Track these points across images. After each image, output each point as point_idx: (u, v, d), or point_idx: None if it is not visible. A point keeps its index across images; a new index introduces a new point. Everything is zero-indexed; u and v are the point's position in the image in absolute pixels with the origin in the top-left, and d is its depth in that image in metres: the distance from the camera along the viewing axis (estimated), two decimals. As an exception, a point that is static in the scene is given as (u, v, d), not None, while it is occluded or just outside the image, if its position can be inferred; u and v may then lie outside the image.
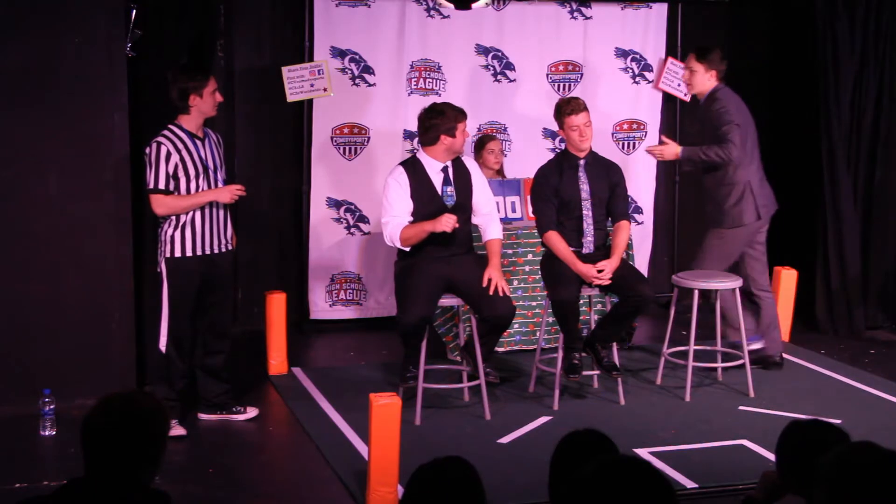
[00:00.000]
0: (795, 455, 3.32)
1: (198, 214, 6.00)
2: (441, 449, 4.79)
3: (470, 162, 6.57)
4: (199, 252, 6.01)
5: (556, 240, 6.40)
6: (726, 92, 7.05)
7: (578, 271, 6.31)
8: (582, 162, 6.46)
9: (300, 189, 8.10)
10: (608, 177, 6.50)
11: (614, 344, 6.58)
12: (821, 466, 2.83)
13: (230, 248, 6.22)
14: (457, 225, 6.17)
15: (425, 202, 6.29)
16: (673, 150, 7.09)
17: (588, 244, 6.44)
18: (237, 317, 8.25)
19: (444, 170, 6.37)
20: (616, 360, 6.57)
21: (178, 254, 5.98)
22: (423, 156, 6.39)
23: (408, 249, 6.27)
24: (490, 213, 6.51)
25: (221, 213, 6.13)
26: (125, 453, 2.92)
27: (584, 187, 6.44)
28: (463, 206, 6.36)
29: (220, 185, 6.10)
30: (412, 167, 6.36)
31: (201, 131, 6.09)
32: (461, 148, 6.41)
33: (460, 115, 6.36)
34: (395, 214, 6.27)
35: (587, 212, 6.43)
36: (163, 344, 5.99)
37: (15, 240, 6.28)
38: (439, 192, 6.34)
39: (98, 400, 3.01)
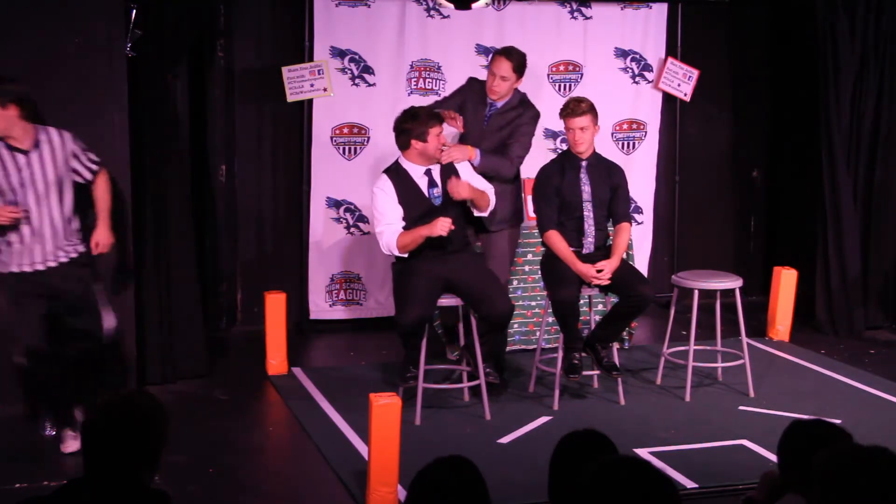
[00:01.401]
0: (797, 454, 3.33)
1: (14, 233, 5.65)
2: (441, 449, 4.80)
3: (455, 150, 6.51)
4: (15, 269, 5.70)
5: (556, 239, 6.39)
6: (527, 99, 6.89)
7: (578, 271, 6.31)
8: (584, 163, 6.45)
9: (300, 189, 8.10)
10: (610, 178, 6.49)
11: (614, 344, 6.58)
12: (813, 466, 2.84)
13: (69, 258, 5.79)
14: (453, 227, 6.16)
15: (413, 206, 6.28)
16: (464, 153, 6.55)
17: (588, 244, 6.44)
18: (237, 318, 8.26)
19: (428, 172, 6.36)
20: (616, 360, 6.57)
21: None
22: (403, 160, 6.39)
23: (405, 256, 6.27)
24: (485, 189, 6.47)
25: (48, 230, 5.69)
26: (125, 453, 2.93)
27: (586, 188, 6.42)
28: (452, 204, 6.34)
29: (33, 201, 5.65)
30: (395, 173, 6.35)
31: (27, 142, 5.66)
32: (435, 152, 6.33)
33: (434, 119, 6.32)
34: (388, 222, 6.26)
35: (588, 212, 6.42)
36: (16, 356, 5.71)
37: (15, 240, 6.27)
38: (426, 195, 6.33)
39: (98, 400, 3.02)
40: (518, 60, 6.77)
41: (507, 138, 6.71)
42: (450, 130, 6.81)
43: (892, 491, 2.75)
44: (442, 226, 6.11)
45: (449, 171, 6.40)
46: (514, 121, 6.75)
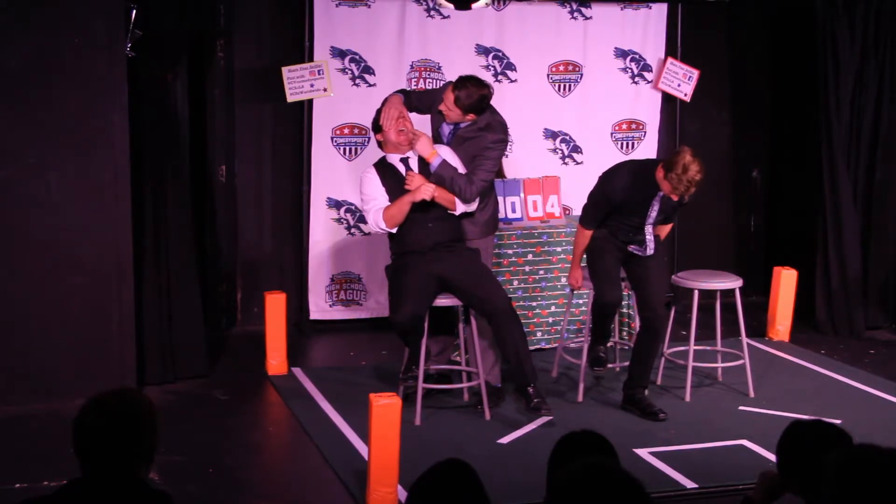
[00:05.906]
0: (797, 455, 3.32)
1: None
2: (441, 449, 4.79)
3: (441, 148, 6.46)
4: None
5: (582, 239, 6.37)
6: (498, 117, 6.50)
7: (571, 272, 6.44)
8: (661, 193, 6.21)
9: (300, 189, 8.10)
10: (673, 203, 6.30)
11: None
12: (826, 467, 2.82)
13: None
14: (435, 193, 6.20)
15: (396, 195, 6.31)
16: (426, 146, 6.34)
17: (648, 250, 6.37)
18: (237, 318, 8.26)
19: (405, 161, 6.39)
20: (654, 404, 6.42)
21: None
22: (387, 153, 6.46)
23: (394, 231, 6.28)
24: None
25: None
26: (120, 449, 2.93)
27: (653, 213, 6.30)
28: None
29: None
30: (381, 165, 6.44)
31: None
32: (396, 138, 6.33)
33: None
34: (374, 200, 6.33)
35: (649, 233, 6.34)
36: None
37: (15, 240, 6.29)
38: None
39: (87, 400, 3.02)
40: (461, 95, 6.31)
41: (477, 156, 6.42)
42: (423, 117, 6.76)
43: None
44: (425, 189, 6.18)
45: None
46: (478, 141, 6.44)
